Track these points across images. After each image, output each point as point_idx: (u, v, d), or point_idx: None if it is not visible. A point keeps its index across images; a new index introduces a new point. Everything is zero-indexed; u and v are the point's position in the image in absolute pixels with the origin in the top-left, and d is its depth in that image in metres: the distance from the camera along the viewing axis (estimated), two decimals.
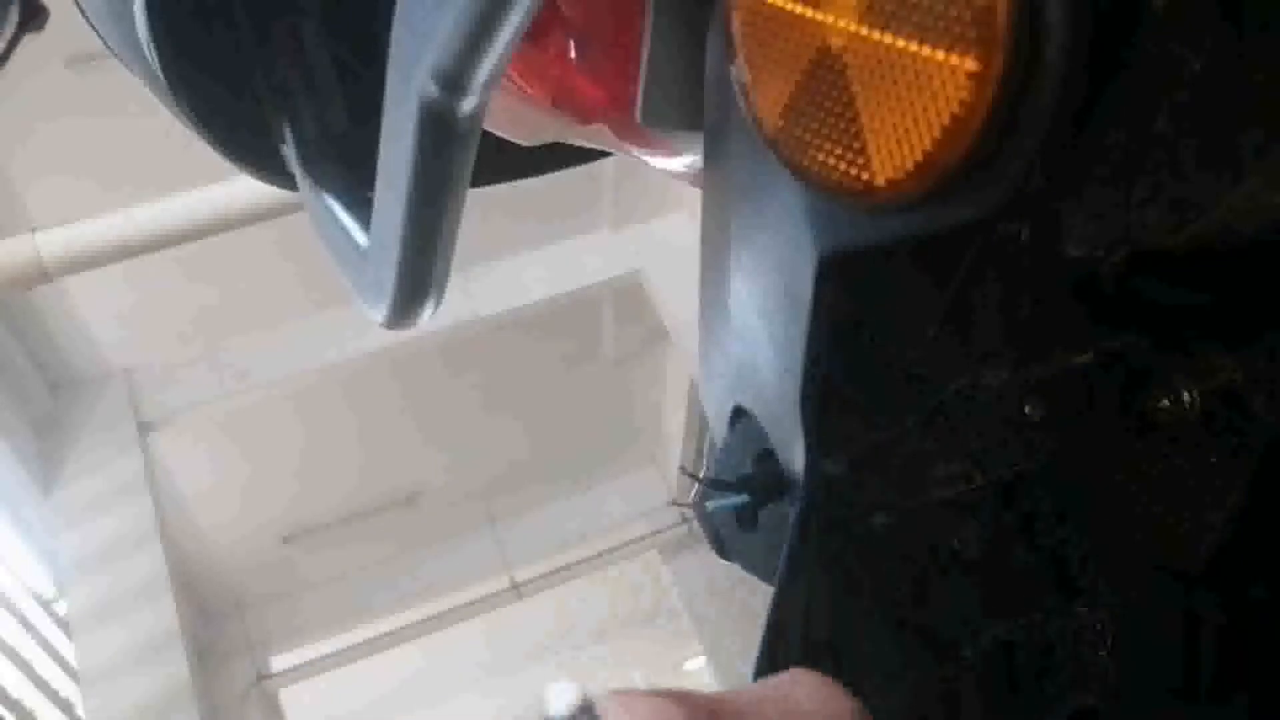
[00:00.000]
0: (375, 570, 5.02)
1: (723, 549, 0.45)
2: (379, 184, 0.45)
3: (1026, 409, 0.36)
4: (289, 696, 5.01)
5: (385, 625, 5.02)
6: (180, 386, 3.85)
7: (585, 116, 0.51)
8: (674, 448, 5.08)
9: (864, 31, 0.29)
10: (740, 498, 0.42)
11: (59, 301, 3.44)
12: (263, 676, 4.76)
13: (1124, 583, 0.35)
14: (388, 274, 0.46)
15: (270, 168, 0.61)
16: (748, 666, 0.36)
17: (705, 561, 4.70)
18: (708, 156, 0.42)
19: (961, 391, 0.36)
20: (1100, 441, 0.36)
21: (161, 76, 0.55)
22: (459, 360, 4.29)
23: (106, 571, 3.47)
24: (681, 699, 0.30)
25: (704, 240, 0.45)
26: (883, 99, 0.29)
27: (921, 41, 0.28)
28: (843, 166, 0.31)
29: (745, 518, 0.43)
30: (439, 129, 0.39)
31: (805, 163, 0.33)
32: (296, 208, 0.60)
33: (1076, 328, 0.36)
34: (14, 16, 0.70)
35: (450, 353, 4.14)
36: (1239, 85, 0.27)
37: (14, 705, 3.42)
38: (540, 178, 0.67)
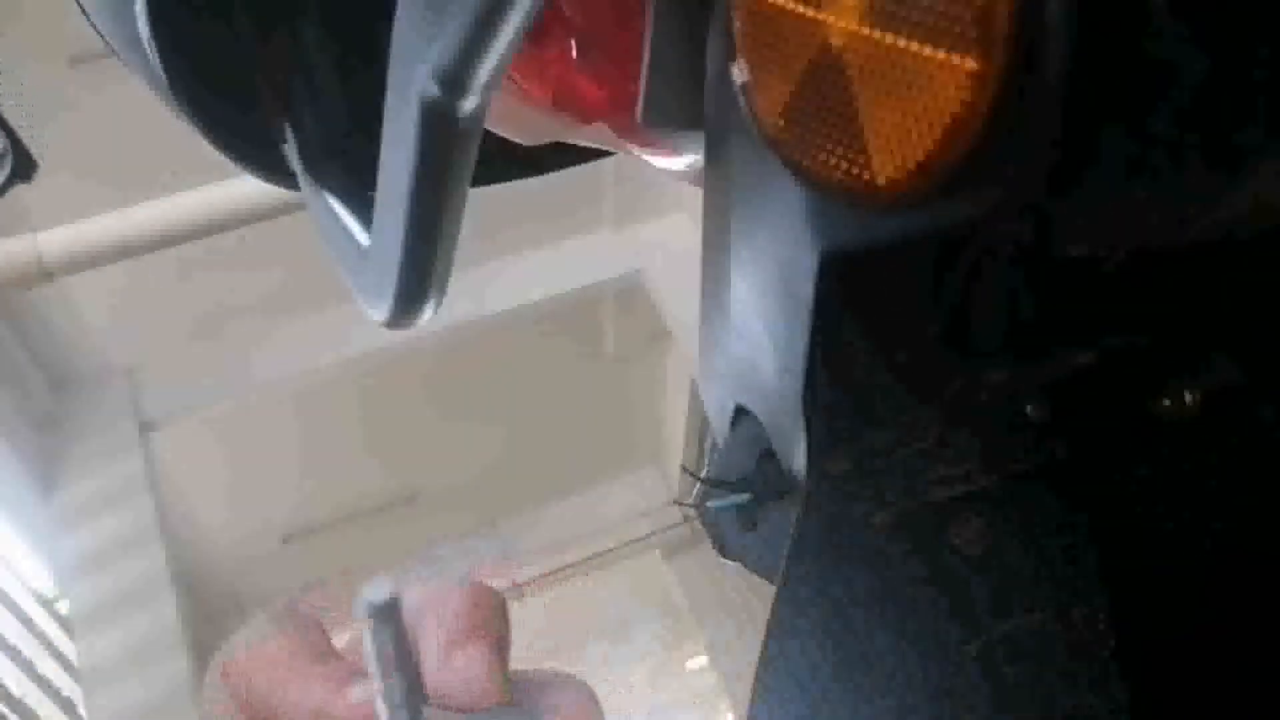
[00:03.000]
0: (375, 570, 5.00)
1: (724, 549, 0.45)
2: (380, 184, 0.45)
3: (1027, 409, 0.36)
4: None
5: None
6: (180, 386, 3.84)
7: (586, 116, 0.51)
8: (675, 448, 5.08)
9: (864, 31, 0.29)
10: (741, 497, 0.42)
11: (60, 301, 3.44)
12: None
13: (1124, 584, 0.35)
14: (389, 274, 0.46)
15: (271, 167, 0.61)
16: (749, 667, 0.36)
17: (706, 561, 4.70)
18: (708, 156, 0.42)
19: (962, 391, 0.36)
20: (1101, 442, 0.36)
21: (162, 76, 0.55)
22: (459, 360, 4.29)
23: (107, 571, 3.46)
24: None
25: (704, 240, 0.45)
26: (883, 99, 0.29)
27: (922, 41, 0.28)
28: (843, 166, 0.31)
29: (746, 517, 0.43)
30: (440, 129, 0.39)
31: (805, 163, 0.33)
32: (297, 207, 0.60)
33: (1077, 328, 0.36)
34: (6, 169, 0.72)
35: (450, 352, 4.14)
36: (1240, 84, 0.27)
37: (16, 704, 3.41)
38: (540, 178, 0.67)
